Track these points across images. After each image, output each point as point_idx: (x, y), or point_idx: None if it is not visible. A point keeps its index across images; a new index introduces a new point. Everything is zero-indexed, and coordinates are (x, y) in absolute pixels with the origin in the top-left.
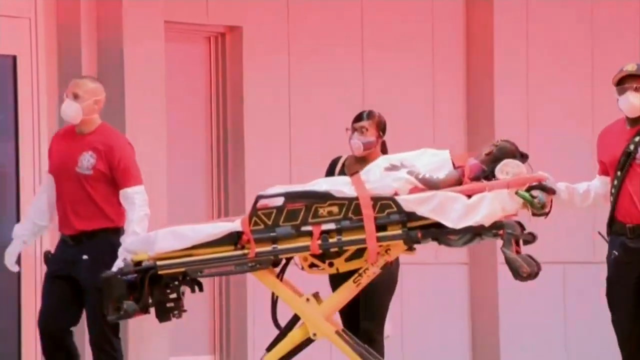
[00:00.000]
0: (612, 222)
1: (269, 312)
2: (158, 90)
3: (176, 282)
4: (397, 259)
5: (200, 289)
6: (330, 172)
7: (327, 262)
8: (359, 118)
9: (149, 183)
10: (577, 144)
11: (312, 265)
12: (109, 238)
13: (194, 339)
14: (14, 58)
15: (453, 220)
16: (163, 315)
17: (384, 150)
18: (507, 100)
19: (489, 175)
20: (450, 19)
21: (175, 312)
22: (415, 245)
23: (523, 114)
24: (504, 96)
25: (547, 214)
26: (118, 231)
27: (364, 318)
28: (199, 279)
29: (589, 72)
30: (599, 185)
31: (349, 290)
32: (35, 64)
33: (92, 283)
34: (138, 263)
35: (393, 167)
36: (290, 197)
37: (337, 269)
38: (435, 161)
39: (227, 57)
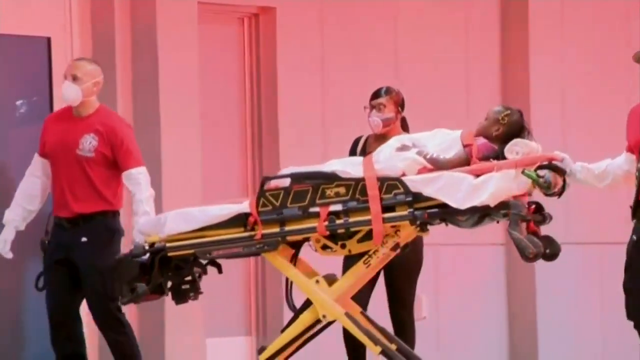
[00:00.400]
0: (637, 205)
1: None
2: (191, 72)
3: (187, 264)
4: (421, 239)
5: (220, 271)
6: (352, 152)
7: (340, 243)
8: (376, 95)
9: (183, 168)
10: (612, 117)
11: (324, 247)
12: (106, 221)
13: (230, 320)
14: (48, 40)
15: (458, 200)
16: (179, 297)
17: (405, 127)
18: (542, 76)
19: (500, 155)
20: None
21: (191, 294)
22: (440, 226)
23: (558, 90)
24: (538, 73)
25: (558, 194)
26: (115, 214)
27: (394, 305)
28: (217, 260)
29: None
30: (622, 164)
31: (359, 272)
32: (69, 46)
33: (91, 265)
34: (152, 245)
35: (404, 147)
36: (296, 178)
37: (350, 251)
38: (446, 140)
39: (261, 38)
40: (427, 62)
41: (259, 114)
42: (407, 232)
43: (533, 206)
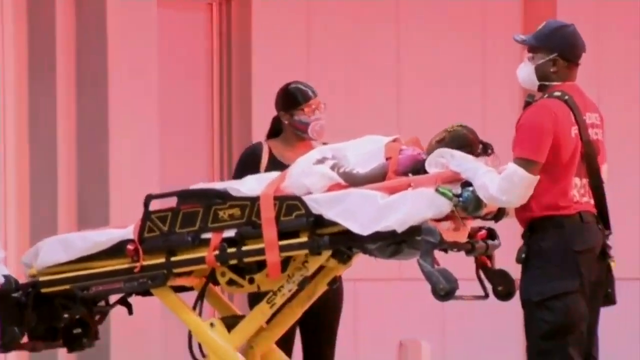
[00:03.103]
0: None
1: None
2: (148, 67)
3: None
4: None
5: (130, 312)
6: (251, 165)
7: (247, 277)
8: (311, 93)
9: (136, 179)
10: None
11: (231, 282)
12: None
13: None
14: None
15: (361, 225)
16: (70, 343)
17: None
18: None
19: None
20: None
21: (85, 339)
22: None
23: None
24: None
25: (493, 217)
26: None
27: (323, 346)
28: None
29: None
30: None
31: (262, 313)
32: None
33: None
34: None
35: (322, 159)
36: (183, 197)
37: (259, 286)
38: (368, 151)
39: (233, 25)
40: (429, 48)
41: (230, 113)
42: (314, 264)
43: (483, 232)
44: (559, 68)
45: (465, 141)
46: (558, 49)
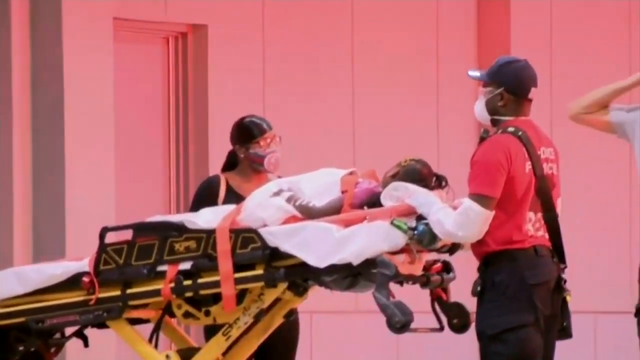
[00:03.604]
0: None
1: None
2: (105, 100)
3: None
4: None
5: (85, 344)
6: (208, 198)
7: (204, 310)
8: (266, 126)
9: (96, 207)
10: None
11: (187, 315)
12: None
13: None
14: None
15: (318, 257)
16: None
17: None
18: None
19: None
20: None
21: None
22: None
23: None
24: None
25: (447, 250)
26: None
27: None
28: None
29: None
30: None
31: (218, 345)
32: None
33: None
34: None
35: (279, 192)
36: (139, 229)
37: (215, 319)
38: (324, 184)
39: (189, 60)
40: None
41: (186, 147)
42: (270, 296)
43: (438, 265)
44: (506, 102)
45: (418, 175)
46: (505, 84)
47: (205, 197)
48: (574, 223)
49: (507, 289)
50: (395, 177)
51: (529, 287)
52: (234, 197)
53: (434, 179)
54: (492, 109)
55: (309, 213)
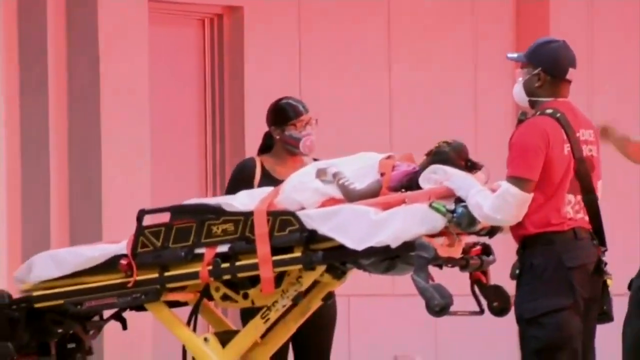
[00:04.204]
0: None
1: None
2: (140, 82)
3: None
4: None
5: (124, 327)
6: (244, 180)
7: (242, 292)
8: (302, 109)
9: (132, 190)
10: None
11: (225, 297)
12: None
13: None
14: None
15: (355, 240)
16: (64, 358)
17: None
18: None
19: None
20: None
21: (78, 355)
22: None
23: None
24: None
25: (487, 233)
26: None
27: None
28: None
29: None
30: None
31: (256, 328)
32: None
33: None
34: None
35: (320, 174)
36: (176, 212)
37: (253, 302)
38: (364, 166)
39: (225, 43)
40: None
41: (222, 130)
42: (309, 279)
43: (477, 247)
44: (543, 83)
45: (443, 157)
46: (541, 64)
47: (240, 179)
48: (614, 205)
49: (544, 272)
50: (428, 159)
51: (566, 270)
52: (270, 180)
53: (467, 163)
54: (529, 91)
55: (348, 194)
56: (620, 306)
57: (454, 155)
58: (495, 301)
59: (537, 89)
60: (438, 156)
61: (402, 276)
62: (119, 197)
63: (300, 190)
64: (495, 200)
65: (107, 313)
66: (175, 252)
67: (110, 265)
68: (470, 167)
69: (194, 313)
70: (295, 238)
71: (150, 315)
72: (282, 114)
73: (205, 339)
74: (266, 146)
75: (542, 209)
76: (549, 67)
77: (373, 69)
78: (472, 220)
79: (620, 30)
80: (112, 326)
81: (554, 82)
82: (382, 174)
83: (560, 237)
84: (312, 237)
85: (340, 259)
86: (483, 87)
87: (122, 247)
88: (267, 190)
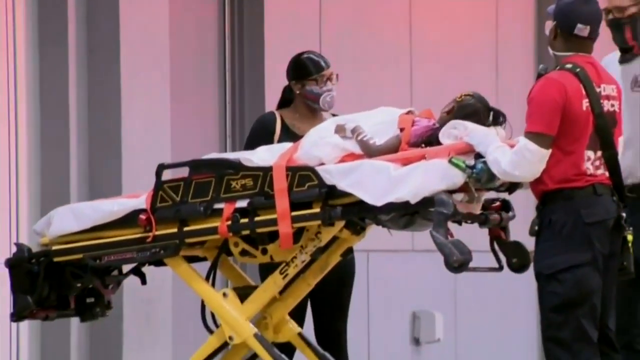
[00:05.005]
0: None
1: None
2: (160, 36)
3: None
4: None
5: (143, 281)
6: (265, 134)
7: (261, 248)
8: (324, 64)
9: (152, 145)
10: None
11: (244, 253)
12: None
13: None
14: None
15: (374, 195)
16: (83, 312)
17: None
18: None
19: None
20: None
21: (98, 309)
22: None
23: None
24: None
25: (507, 189)
26: None
27: (335, 318)
28: (142, 269)
29: None
30: None
31: (275, 284)
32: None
33: None
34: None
35: (339, 129)
36: (196, 167)
37: (272, 257)
38: (383, 121)
39: (245, 9)
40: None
41: (241, 84)
42: (327, 234)
43: (497, 203)
44: (556, 37)
45: (472, 110)
46: (555, 18)
47: (261, 134)
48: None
49: (562, 228)
50: (450, 113)
51: (585, 225)
52: (289, 135)
53: (491, 114)
54: (550, 45)
55: (368, 150)
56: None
57: (480, 106)
58: (515, 257)
59: (553, 42)
60: (463, 110)
61: (421, 232)
62: (138, 152)
63: (320, 145)
64: (514, 156)
65: (126, 268)
66: (194, 207)
67: (129, 219)
68: (495, 116)
69: (213, 268)
70: (314, 194)
71: (169, 270)
72: (303, 69)
73: (224, 294)
74: (285, 100)
75: (561, 164)
76: (559, 22)
77: (394, 27)
78: (492, 176)
79: None
80: (131, 281)
81: (565, 37)
82: (401, 129)
83: (580, 193)
84: (331, 192)
85: (359, 215)
86: (504, 41)
87: (141, 201)
88: (287, 145)
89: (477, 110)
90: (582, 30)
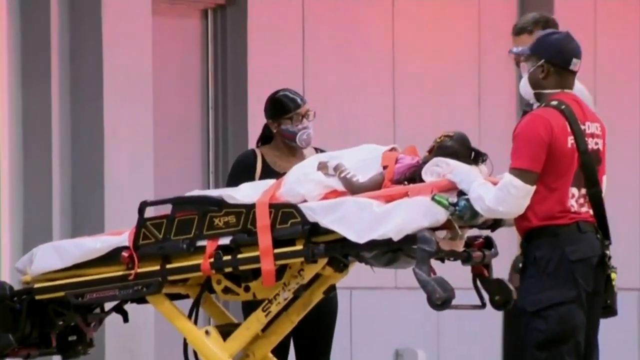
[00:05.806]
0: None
1: None
2: (143, 73)
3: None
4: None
5: (125, 319)
6: (245, 172)
7: (243, 285)
8: (300, 101)
9: (135, 181)
10: None
11: (226, 290)
12: None
13: None
14: None
15: (357, 232)
16: (65, 350)
17: None
18: None
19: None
20: None
21: (80, 347)
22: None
23: None
24: None
25: (489, 226)
26: None
27: (318, 355)
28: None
29: None
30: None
31: (257, 321)
32: None
33: None
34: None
35: (322, 167)
36: (178, 204)
37: (254, 294)
38: (366, 158)
39: (228, 35)
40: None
41: (225, 121)
42: (310, 272)
43: (480, 241)
44: (548, 74)
45: (451, 152)
46: (545, 55)
47: (241, 172)
48: (618, 199)
49: (547, 265)
50: (431, 152)
51: (569, 263)
52: (270, 172)
53: (472, 154)
54: (534, 83)
55: (351, 187)
56: (624, 300)
57: (458, 148)
58: (497, 295)
59: (541, 80)
60: (442, 150)
61: (404, 269)
62: (121, 188)
63: (303, 182)
64: (498, 192)
65: (108, 305)
66: (177, 244)
67: (112, 257)
68: (476, 156)
69: (196, 306)
70: (297, 231)
71: (151, 307)
72: (279, 107)
73: (207, 332)
74: (266, 137)
75: (546, 201)
76: (552, 57)
77: (377, 60)
78: (474, 214)
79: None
80: (114, 318)
81: (558, 73)
82: (384, 167)
83: (564, 230)
84: (314, 229)
85: (342, 252)
86: (487, 78)
87: (123, 239)
88: (269, 182)
89: (455, 152)
90: (576, 65)
